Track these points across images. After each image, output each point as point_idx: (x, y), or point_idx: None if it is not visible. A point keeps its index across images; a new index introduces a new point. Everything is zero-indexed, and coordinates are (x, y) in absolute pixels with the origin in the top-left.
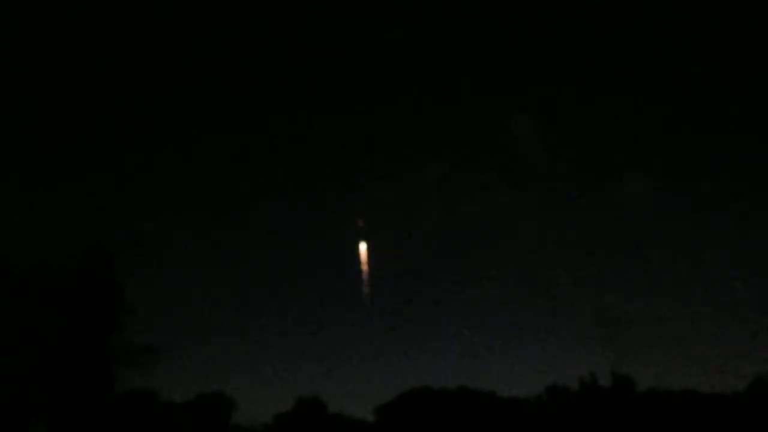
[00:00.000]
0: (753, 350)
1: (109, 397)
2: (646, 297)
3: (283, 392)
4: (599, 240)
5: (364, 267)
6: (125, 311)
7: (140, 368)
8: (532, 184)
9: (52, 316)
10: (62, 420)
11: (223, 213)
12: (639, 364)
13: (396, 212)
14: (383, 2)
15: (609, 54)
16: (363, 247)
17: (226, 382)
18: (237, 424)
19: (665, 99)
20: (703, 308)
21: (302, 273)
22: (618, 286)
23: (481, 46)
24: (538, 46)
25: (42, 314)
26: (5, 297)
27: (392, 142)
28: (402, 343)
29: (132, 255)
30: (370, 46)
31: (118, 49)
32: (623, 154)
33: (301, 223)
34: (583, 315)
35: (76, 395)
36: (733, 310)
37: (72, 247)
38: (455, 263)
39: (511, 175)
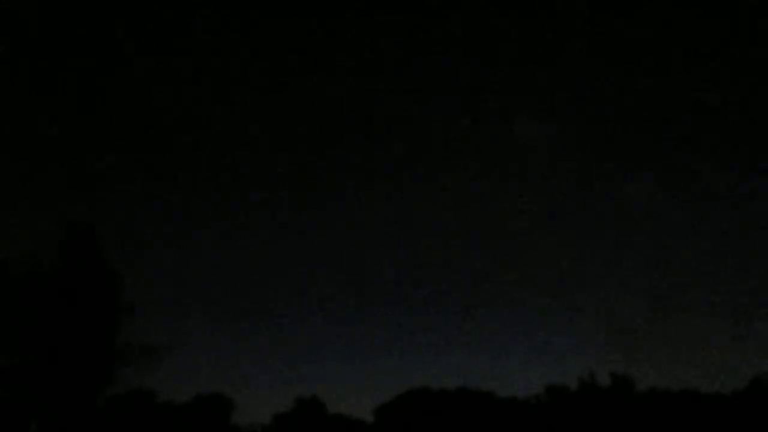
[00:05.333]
0: (752, 350)
1: (108, 397)
2: (648, 298)
3: (283, 392)
4: (601, 242)
5: None
6: (124, 308)
7: (140, 368)
8: (533, 186)
9: (43, 308)
10: (61, 420)
11: (223, 215)
12: (639, 364)
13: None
14: (394, 6)
15: (612, 56)
16: None
17: (226, 382)
18: (236, 425)
19: (669, 101)
20: (702, 309)
21: (302, 274)
22: (620, 287)
23: (485, 48)
24: (541, 47)
25: (34, 307)
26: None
27: (397, 145)
28: (402, 343)
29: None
30: (375, 47)
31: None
32: (629, 159)
33: (302, 226)
34: (583, 315)
35: (74, 395)
36: (733, 311)
37: (56, 236)
38: (456, 264)
39: (512, 176)
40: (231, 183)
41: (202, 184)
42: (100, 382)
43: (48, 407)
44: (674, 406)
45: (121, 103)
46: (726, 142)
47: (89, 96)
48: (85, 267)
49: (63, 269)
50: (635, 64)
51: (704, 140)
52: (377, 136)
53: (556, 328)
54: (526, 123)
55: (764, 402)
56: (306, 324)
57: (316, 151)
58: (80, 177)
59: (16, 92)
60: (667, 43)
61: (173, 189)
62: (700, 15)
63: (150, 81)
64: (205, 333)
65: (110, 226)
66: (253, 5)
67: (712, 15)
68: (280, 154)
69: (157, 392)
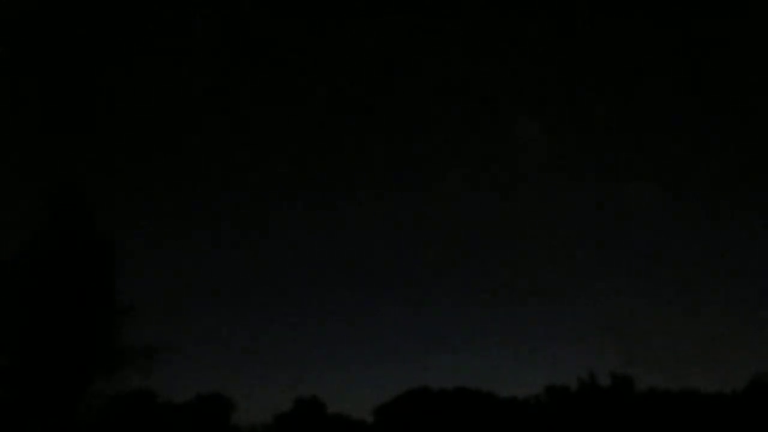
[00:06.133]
0: (752, 350)
1: (108, 397)
2: (648, 298)
3: (283, 392)
4: (600, 242)
5: None
6: (123, 311)
7: (140, 368)
8: (532, 186)
9: (34, 297)
10: (60, 420)
11: (223, 214)
12: (639, 364)
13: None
14: (393, 6)
15: (615, 58)
16: None
17: (226, 382)
18: (236, 425)
19: (671, 101)
20: (703, 308)
21: (303, 274)
22: (619, 288)
23: (489, 50)
24: (542, 47)
25: (28, 300)
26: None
27: (404, 149)
28: (402, 343)
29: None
30: (378, 47)
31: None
32: (629, 159)
33: (302, 226)
34: (583, 316)
35: (72, 394)
36: (733, 311)
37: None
38: (456, 264)
39: (512, 176)
40: (231, 182)
41: (202, 184)
42: (95, 378)
43: (46, 407)
44: (674, 406)
45: (119, 102)
46: (727, 142)
47: (88, 97)
48: (77, 237)
49: (51, 242)
50: (637, 64)
51: (706, 141)
52: (377, 136)
53: (556, 328)
54: (527, 123)
55: (764, 402)
56: (306, 324)
57: (316, 151)
58: (77, 177)
59: (15, 92)
60: (668, 44)
61: (173, 189)
62: (701, 15)
63: (148, 80)
64: (205, 333)
65: (109, 225)
66: (253, 4)
67: (714, 15)
68: (281, 154)
69: (157, 392)
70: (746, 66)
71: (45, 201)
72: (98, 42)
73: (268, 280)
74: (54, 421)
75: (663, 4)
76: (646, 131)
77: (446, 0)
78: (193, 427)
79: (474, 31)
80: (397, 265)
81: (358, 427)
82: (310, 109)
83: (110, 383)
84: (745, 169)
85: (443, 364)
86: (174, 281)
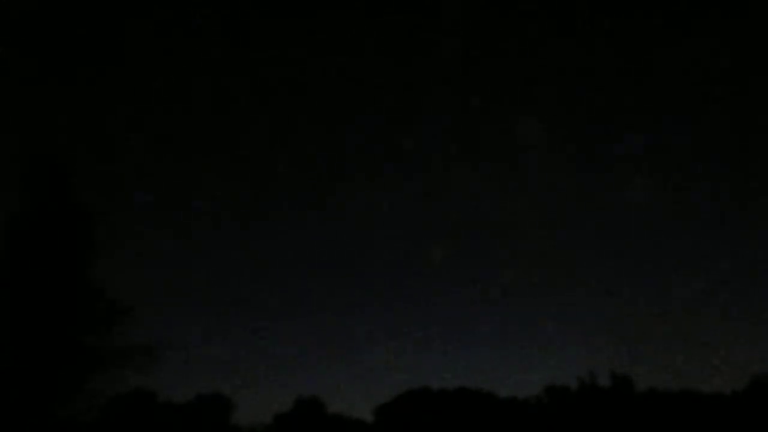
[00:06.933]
0: (752, 350)
1: (108, 397)
2: (648, 298)
3: (283, 392)
4: (601, 242)
5: None
6: (123, 310)
7: (139, 368)
8: (533, 186)
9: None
10: (58, 420)
11: (222, 214)
12: (639, 364)
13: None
14: (393, 6)
15: (615, 58)
16: None
17: (226, 382)
18: (236, 425)
19: (671, 102)
20: (703, 308)
21: (302, 274)
22: (619, 287)
23: (489, 50)
24: (543, 47)
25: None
26: None
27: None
28: (402, 343)
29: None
30: (380, 47)
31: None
32: (629, 159)
33: (301, 225)
34: (584, 316)
35: (69, 394)
36: (733, 311)
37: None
38: (456, 264)
39: (512, 176)
40: (231, 181)
41: (202, 183)
42: (94, 377)
43: (43, 407)
44: (674, 406)
45: (119, 102)
46: (728, 142)
47: (88, 97)
48: (57, 220)
49: (29, 228)
50: (636, 64)
51: (706, 142)
52: (376, 136)
53: (556, 328)
54: (527, 123)
55: (764, 402)
56: (306, 324)
57: (315, 152)
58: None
59: (15, 92)
60: (668, 44)
61: (173, 188)
62: (701, 15)
63: (148, 80)
64: (205, 333)
65: (108, 224)
66: (253, 4)
67: (714, 15)
68: (279, 155)
69: (157, 392)
70: (746, 66)
71: (24, 181)
72: (98, 42)
73: (268, 280)
74: (52, 421)
75: (663, 4)
76: (647, 131)
77: (446, 0)
78: (193, 427)
79: (474, 31)
80: (398, 265)
81: (358, 427)
82: (310, 108)
83: (110, 383)
84: (745, 169)
85: (443, 364)
86: (174, 281)
